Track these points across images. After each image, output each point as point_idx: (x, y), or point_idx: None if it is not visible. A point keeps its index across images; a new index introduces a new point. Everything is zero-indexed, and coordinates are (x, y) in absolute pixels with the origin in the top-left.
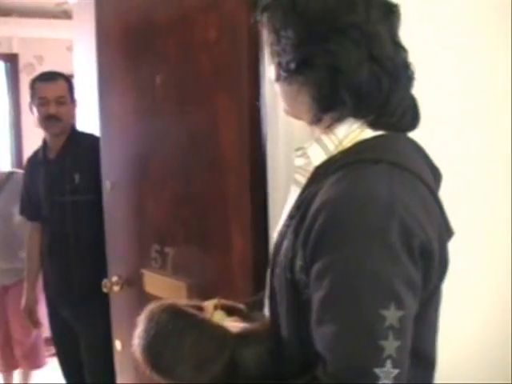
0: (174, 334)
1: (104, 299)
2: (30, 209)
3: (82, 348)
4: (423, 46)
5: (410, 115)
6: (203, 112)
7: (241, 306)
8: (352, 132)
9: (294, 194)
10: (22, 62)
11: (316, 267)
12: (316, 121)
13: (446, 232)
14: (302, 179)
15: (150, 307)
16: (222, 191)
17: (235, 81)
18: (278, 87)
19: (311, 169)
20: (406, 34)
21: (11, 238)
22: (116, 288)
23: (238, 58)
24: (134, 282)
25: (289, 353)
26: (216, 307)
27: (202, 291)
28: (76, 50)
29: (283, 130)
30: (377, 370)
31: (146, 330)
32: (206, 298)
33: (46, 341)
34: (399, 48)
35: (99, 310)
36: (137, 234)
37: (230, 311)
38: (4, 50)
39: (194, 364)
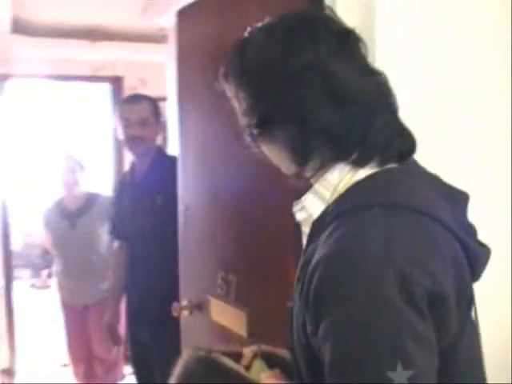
0: None
1: (179, 323)
2: (117, 228)
3: (157, 370)
4: (423, 46)
5: (398, 142)
6: None
7: (283, 352)
8: (345, 176)
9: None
10: (126, 84)
11: (320, 331)
12: (298, 174)
13: (475, 264)
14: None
15: (187, 354)
16: (281, 222)
17: None
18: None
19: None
20: (406, 33)
21: (96, 258)
22: (185, 312)
23: None
24: (202, 308)
25: None
26: (256, 355)
27: (260, 321)
28: (169, 73)
29: None
30: None
31: (181, 379)
32: (265, 329)
33: (126, 359)
34: (369, 74)
35: (174, 334)
36: (206, 260)
37: (272, 359)
38: (109, 73)
39: None
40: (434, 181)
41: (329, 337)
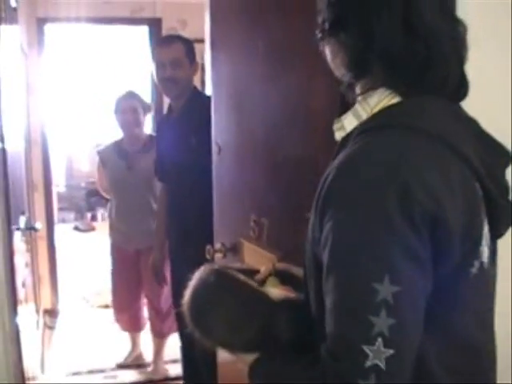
0: (214, 295)
1: None
2: (160, 170)
3: None
4: None
5: (451, 87)
6: (297, 77)
7: (299, 271)
8: (383, 99)
9: None
10: (165, 26)
11: (322, 237)
12: (348, 86)
13: (495, 214)
14: None
15: (204, 267)
16: (313, 164)
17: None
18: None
19: None
20: None
21: (152, 201)
22: (219, 255)
23: None
24: (235, 251)
25: (318, 327)
26: (270, 273)
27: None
28: (206, 15)
29: None
30: (365, 348)
31: (194, 289)
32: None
33: None
34: (450, 20)
35: None
36: (239, 202)
37: (287, 277)
38: (148, 14)
39: (229, 326)
40: (473, 125)
41: (327, 242)
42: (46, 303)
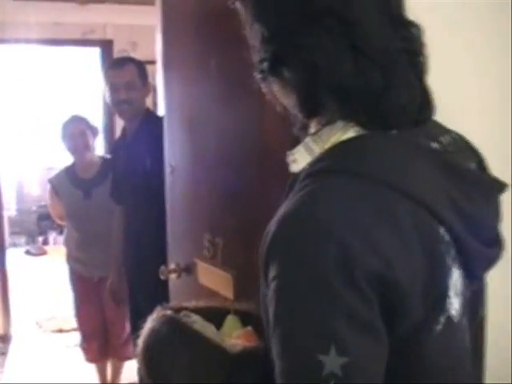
0: (169, 351)
1: None
2: (116, 192)
3: None
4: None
5: (414, 110)
6: (250, 97)
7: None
8: (334, 134)
9: None
10: (116, 48)
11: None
12: (302, 127)
13: (468, 261)
14: None
15: (155, 315)
16: (267, 184)
17: None
18: None
19: None
20: None
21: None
22: (173, 276)
23: None
24: (189, 271)
25: None
26: (229, 312)
27: (247, 284)
28: (157, 36)
29: None
30: None
31: (146, 341)
32: (252, 291)
33: None
34: (400, 27)
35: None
36: (193, 222)
37: (247, 317)
38: (99, 36)
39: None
40: (441, 157)
41: (270, 306)
42: None
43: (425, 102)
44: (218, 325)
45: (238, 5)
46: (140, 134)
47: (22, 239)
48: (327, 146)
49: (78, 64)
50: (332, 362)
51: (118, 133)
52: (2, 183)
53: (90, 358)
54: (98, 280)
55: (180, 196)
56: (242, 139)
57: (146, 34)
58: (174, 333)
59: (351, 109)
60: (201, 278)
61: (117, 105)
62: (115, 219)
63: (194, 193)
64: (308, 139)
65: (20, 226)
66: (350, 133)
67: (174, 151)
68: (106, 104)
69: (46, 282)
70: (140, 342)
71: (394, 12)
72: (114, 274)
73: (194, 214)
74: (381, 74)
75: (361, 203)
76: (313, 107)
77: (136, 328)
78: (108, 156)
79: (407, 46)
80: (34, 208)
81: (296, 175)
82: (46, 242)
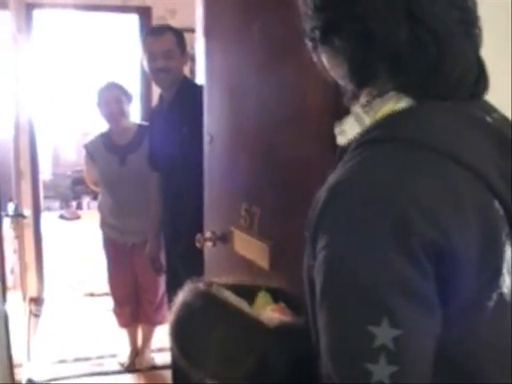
0: (203, 323)
1: None
2: (153, 160)
3: None
4: None
5: (469, 82)
6: (291, 66)
7: (291, 288)
8: (386, 102)
9: None
10: (154, 15)
11: (315, 265)
12: (352, 97)
13: None
14: None
15: (187, 287)
16: (306, 152)
17: None
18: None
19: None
20: None
21: (146, 196)
22: (209, 244)
23: None
24: (225, 240)
25: (317, 356)
26: (261, 288)
27: (283, 254)
28: (196, 4)
29: None
30: None
31: (178, 315)
32: (288, 261)
33: None
34: (458, 3)
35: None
36: (230, 191)
37: (279, 294)
38: (137, 3)
39: (221, 359)
40: (494, 130)
41: (318, 276)
42: (31, 291)
43: (480, 76)
44: (250, 302)
45: None
46: (177, 101)
47: (57, 203)
48: (378, 116)
49: (115, 30)
50: (384, 333)
51: (154, 100)
52: (38, 147)
53: (122, 323)
54: (132, 246)
55: (218, 165)
56: (283, 107)
57: (185, 2)
58: (208, 306)
59: (404, 79)
60: (236, 247)
61: (154, 73)
62: (151, 186)
63: (232, 162)
64: (358, 110)
65: (54, 190)
66: (403, 103)
67: (213, 120)
68: (143, 71)
69: (79, 246)
70: (171, 316)
71: None
72: (153, 242)
73: (231, 183)
74: (437, 43)
75: (418, 171)
76: (365, 76)
77: (171, 295)
78: (144, 123)
79: (464, 16)
80: (68, 172)
81: (344, 146)
82: (79, 207)
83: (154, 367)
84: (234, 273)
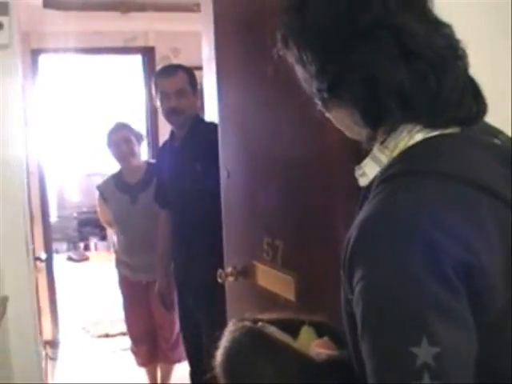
0: (254, 362)
1: (223, 288)
2: (161, 196)
3: (203, 335)
4: None
5: (470, 102)
6: (311, 104)
7: (330, 321)
8: (401, 140)
9: None
10: (158, 55)
11: (354, 299)
12: (369, 140)
13: None
14: None
15: (233, 325)
16: (328, 186)
17: None
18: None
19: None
20: None
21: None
22: (230, 279)
23: None
24: (247, 274)
25: None
26: (304, 323)
27: (308, 286)
28: (203, 42)
29: None
30: None
31: (228, 352)
32: (313, 293)
33: None
34: (436, 28)
35: (218, 299)
36: (250, 225)
37: (320, 328)
38: (141, 43)
39: None
40: (504, 151)
41: (357, 307)
42: (46, 334)
43: (477, 95)
44: (293, 336)
45: (284, 51)
46: (189, 139)
47: (64, 245)
48: (395, 153)
49: (120, 71)
50: (424, 352)
51: (161, 138)
52: (47, 191)
53: (141, 362)
54: (146, 284)
55: (236, 200)
56: (301, 145)
57: (188, 40)
58: (258, 343)
59: (412, 110)
60: (260, 281)
61: (168, 113)
62: (160, 223)
63: (251, 197)
64: (375, 150)
65: (61, 233)
66: (416, 137)
67: (229, 156)
68: (148, 110)
69: (89, 287)
70: (219, 353)
71: (428, 15)
72: (162, 278)
73: (251, 218)
74: (433, 72)
75: (438, 197)
76: (377, 115)
77: (185, 332)
78: (152, 160)
79: (447, 41)
80: (74, 214)
81: (368, 186)
82: (87, 248)
83: None
84: (257, 307)
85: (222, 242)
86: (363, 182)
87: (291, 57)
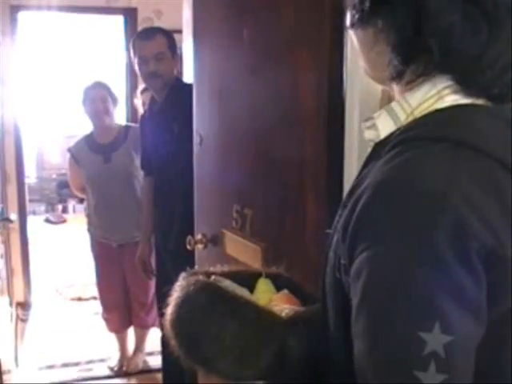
0: (212, 322)
1: None
2: (146, 163)
3: None
4: None
5: (505, 83)
6: (284, 68)
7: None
8: (427, 100)
9: None
10: (140, 16)
11: (353, 267)
12: (396, 75)
13: None
14: None
15: (184, 281)
16: (299, 154)
17: (317, 37)
18: (353, 38)
19: None
20: None
21: (132, 193)
22: (200, 246)
23: (320, 14)
24: (217, 242)
25: (336, 355)
26: (260, 274)
27: (277, 256)
28: (184, 5)
29: (364, 93)
30: None
31: (181, 310)
32: (281, 263)
33: None
34: None
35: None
36: (221, 192)
37: (278, 280)
38: (123, 4)
39: (236, 357)
40: None
41: (361, 275)
42: (18, 296)
43: None
44: (249, 289)
45: None
46: (168, 102)
47: (42, 207)
48: (417, 112)
49: (101, 32)
50: (435, 340)
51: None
52: (23, 150)
53: (112, 328)
54: (119, 247)
55: (208, 166)
56: (275, 109)
57: (172, 3)
58: (216, 301)
59: (452, 58)
60: (228, 249)
61: (146, 77)
62: (144, 190)
63: (223, 163)
64: (393, 104)
65: (40, 194)
66: (446, 100)
67: (202, 120)
68: (128, 72)
69: (65, 250)
70: (170, 311)
71: None
72: (144, 245)
73: (222, 185)
74: (488, 29)
75: (469, 172)
76: (414, 50)
77: (162, 297)
78: (129, 124)
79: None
80: (53, 176)
81: (378, 143)
82: (65, 210)
83: (145, 370)
84: None
85: None
86: (371, 135)
87: None
